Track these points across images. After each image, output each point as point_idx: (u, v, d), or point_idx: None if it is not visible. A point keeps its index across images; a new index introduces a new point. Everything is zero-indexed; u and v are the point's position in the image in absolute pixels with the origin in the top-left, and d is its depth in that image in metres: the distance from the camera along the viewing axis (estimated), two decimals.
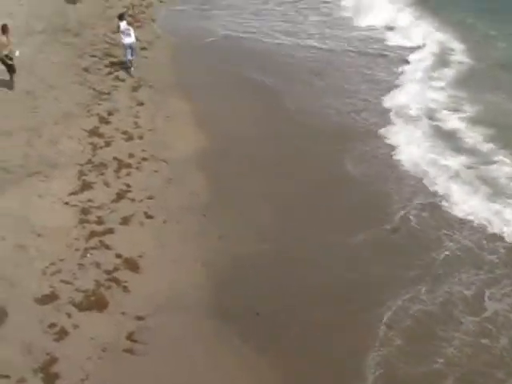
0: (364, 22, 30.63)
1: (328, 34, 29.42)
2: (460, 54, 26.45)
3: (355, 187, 17.49)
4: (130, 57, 24.19)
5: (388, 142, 19.91)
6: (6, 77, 21.42)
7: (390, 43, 28.46)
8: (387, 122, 21.10)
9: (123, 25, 24.26)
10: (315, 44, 28.17)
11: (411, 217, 16.21)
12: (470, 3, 30.15)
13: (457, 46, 27.13)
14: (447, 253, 14.92)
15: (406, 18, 30.58)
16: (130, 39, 24.01)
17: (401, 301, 13.37)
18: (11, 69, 21.26)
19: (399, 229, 15.82)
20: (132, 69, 24.26)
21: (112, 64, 24.30)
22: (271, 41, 28.52)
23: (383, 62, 26.56)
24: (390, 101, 22.54)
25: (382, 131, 20.46)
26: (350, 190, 17.35)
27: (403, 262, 14.65)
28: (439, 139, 19.90)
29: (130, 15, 27.65)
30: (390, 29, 29.93)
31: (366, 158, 18.94)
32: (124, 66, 24.41)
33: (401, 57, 26.84)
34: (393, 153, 19.25)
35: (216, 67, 25.17)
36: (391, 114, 21.63)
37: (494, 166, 18.25)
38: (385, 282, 13.97)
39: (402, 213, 16.32)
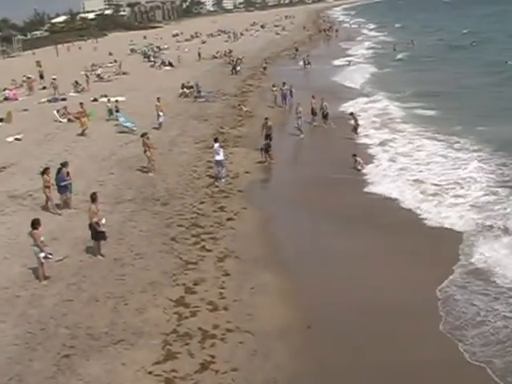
0: None
1: None
2: None
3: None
4: (218, 169, 32.66)
5: None
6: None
7: None
8: None
9: (216, 146, 32.74)
10: None
11: None
12: None
13: None
14: None
15: None
16: (219, 157, 32.50)
17: None
18: (100, 236, 23.14)
19: None
20: (222, 180, 32.43)
21: (199, 234, 25.70)
22: None
23: None
24: None
25: None
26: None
27: None
28: None
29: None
30: None
31: None
32: (215, 178, 32.75)
33: None
34: None
35: (304, 238, 25.88)
36: None
37: None
38: None
39: None
